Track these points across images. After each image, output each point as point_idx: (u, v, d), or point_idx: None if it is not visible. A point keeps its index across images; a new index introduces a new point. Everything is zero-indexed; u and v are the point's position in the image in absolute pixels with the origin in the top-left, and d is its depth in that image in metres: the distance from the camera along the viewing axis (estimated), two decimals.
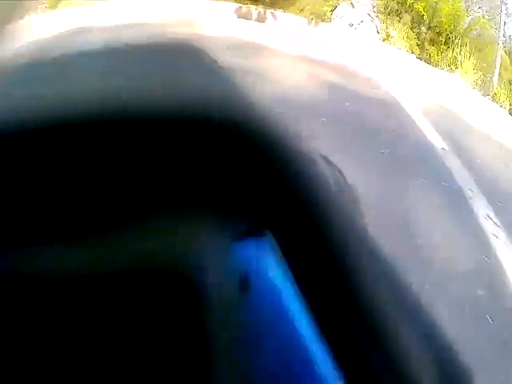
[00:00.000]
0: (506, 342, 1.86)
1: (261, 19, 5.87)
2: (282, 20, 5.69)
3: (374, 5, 5.84)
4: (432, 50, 5.52)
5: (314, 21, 5.48)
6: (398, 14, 5.77)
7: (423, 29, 5.72)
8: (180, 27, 4.52)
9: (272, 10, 5.82)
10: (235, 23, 5.41)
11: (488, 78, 5.23)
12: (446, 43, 5.58)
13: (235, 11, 5.88)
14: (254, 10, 5.88)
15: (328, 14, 5.85)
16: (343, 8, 5.90)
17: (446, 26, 5.61)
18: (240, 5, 6.05)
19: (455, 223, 2.53)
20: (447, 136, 3.35)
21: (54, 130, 0.16)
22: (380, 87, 3.99)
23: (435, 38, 5.64)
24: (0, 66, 0.19)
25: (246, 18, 5.76)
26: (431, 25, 5.68)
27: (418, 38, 5.60)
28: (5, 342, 0.17)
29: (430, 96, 4.16)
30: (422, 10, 5.64)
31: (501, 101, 4.91)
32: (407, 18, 5.69)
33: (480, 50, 5.48)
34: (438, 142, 3.24)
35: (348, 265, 0.21)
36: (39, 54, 0.19)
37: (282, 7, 5.94)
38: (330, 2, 5.98)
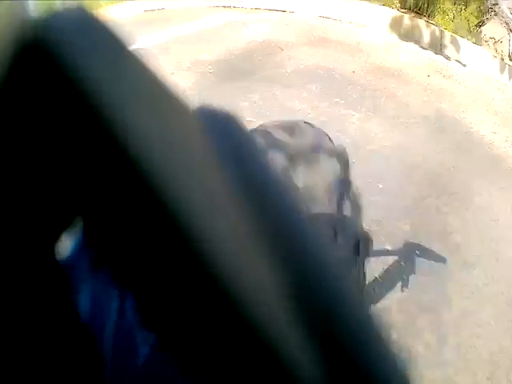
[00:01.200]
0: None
1: (439, 45, 5.05)
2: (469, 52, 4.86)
3: None
4: None
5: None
6: None
7: None
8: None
9: (451, 33, 5.15)
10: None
11: None
12: None
13: (392, 21, 5.22)
14: (425, 27, 5.06)
15: (473, 29, 5.36)
16: (494, 27, 5.26)
17: None
18: (398, 12, 5.43)
19: None
20: None
21: None
22: None
23: None
24: None
25: (415, 40, 5.07)
26: None
27: None
28: None
29: None
30: None
31: None
32: None
33: None
34: None
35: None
36: None
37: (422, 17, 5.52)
38: (472, 16, 5.47)
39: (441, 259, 1.98)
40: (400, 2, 5.95)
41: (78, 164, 0.15)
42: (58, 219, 0.18)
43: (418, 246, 1.99)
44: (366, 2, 5.87)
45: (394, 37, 5.17)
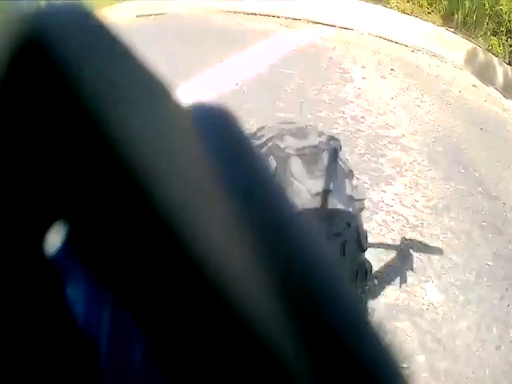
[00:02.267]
0: None
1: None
2: None
3: None
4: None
5: None
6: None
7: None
8: None
9: None
10: None
11: None
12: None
13: (467, 55, 4.45)
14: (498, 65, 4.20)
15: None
16: None
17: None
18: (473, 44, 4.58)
19: None
20: None
21: None
22: None
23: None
24: None
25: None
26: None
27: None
28: None
29: None
30: None
31: None
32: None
33: None
34: None
35: None
36: None
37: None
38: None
39: (438, 252, 1.91)
40: (443, 20, 5.09)
41: (67, 161, 0.15)
42: (46, 215, 0.18)
43: (416, 242, 1.93)
44: (414, 18, 4.94)
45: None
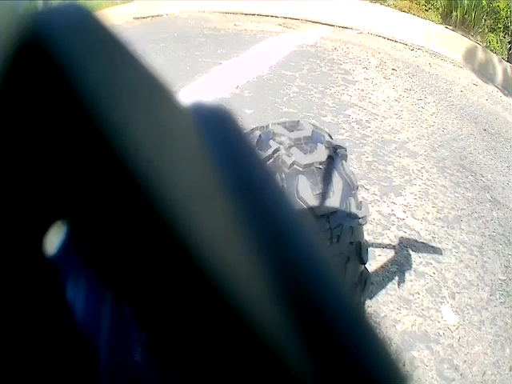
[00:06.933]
0: None
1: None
2: None
3: None
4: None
5: None
6: None
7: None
8: None
9: None
10: None
11: None
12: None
13: (466, 52, 4.43)
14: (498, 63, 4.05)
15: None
16: None
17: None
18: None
19: None
20: None
21: None
22: None
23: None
24: None
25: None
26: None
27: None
28: None
29: None
30: None
31: None
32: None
33: None
34: None
35: None
36: None
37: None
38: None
39: (438, 252, 1.83)
40: (442, 17, 4.96)
41: (67, 161, 0.15)
42: (45, 215, 0.17)
43: (414, 241, 1.86)
44: (417, 18, 4.82)
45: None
